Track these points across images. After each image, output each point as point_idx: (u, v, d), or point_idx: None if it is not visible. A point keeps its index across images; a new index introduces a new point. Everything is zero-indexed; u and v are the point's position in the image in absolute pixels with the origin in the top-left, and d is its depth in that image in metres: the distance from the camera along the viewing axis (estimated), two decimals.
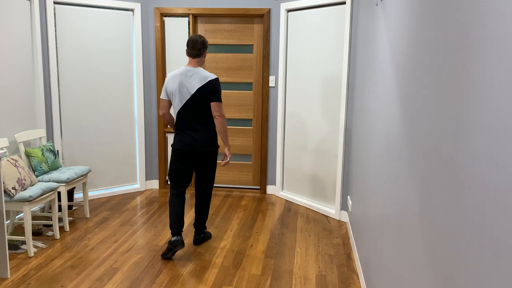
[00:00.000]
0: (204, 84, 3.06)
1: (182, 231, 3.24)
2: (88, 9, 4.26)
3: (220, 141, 4.69)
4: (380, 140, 2.30)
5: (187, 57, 3.10)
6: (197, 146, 3.12)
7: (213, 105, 3.09)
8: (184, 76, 3.08)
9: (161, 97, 3.20)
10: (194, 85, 3.06)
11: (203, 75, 3.08)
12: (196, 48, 3.08)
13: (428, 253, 1.31)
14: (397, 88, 1.88)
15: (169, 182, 3.59)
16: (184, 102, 3.09)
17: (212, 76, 3.10)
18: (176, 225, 3.11)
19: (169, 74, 3.19)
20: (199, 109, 3.10)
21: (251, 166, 4.87)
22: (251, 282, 2.79)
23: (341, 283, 2.80)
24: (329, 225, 3.88)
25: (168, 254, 3.09)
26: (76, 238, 3.45)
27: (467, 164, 1.02)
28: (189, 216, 4.02)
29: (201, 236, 3.41)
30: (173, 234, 3.10)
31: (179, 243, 3.06)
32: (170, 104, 3.19)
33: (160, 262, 3.06)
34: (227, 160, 3.24)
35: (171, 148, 3.18)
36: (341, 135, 3.91)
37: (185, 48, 3.68)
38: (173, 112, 3.63)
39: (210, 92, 3.08)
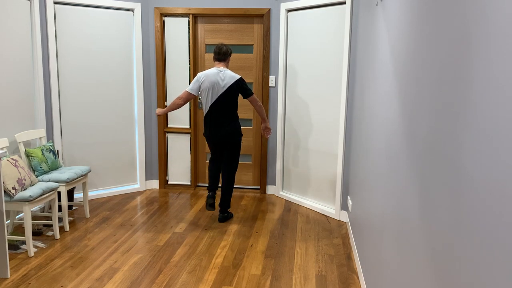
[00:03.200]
0: (233, 83, 3.63)
1: (216, 189, 3.94)
2: (88, 9, 4.26)
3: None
4: (380, 140, 2.30)
5: (214, 61, 3.81)
6: (227, 137, 3.71)
7: (251, 98, 3.69)
8: (217, 75, 3.65)
9: (189, 91, 3.70)
10: (226, 83, 3.63)
11: (231, 75, 3.65)
12: (221, 54, 3.71)
13: (428, 253, 1.31)
14: (397, 88, 1.88)
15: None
16: (217, 97, 3.65)
17: (237, 76, 3.66)
18: (211, 186, 3.91)
19: (202, 73, 3.70)
20: (228, 104, 3.68)
21: (251, 166, 4.87)
22: (251, 282, 2.79)
23: (341, 283, 2.80)
24: (329, 225, 3.88)
25: (208, 207, 3.83)
26: (76, 238, 3.45)
27: (467, 164, 1.02)
28: (189, 216, 4.02)
29: (225, 214, 3.91)
30: (208, 191, 3.90)
31: (209, 197, 3.84)
32: (193, 98, 3.76)
33: (160, 262, 3.07)
34: (269, 133, 3.92)
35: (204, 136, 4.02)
36: (341, 135, 3.91)
37: (186, 51, 4.61)
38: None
39: (238, 89, 3.65)
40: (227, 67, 3.76)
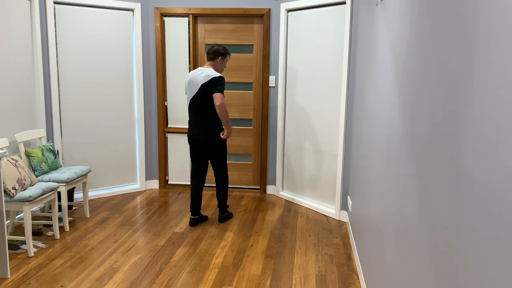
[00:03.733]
0: (207, 81, 3.51)
1: (199, 210, 3.83)
2: (88, 9, 4.26)
3: None
4: (380, 140, 2.30)
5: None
6: (202, 137, 3.64)
7: (214, 95, 3.50)
8: (195, 74, 3.61)
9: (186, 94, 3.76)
10: (199, 82, 3.55)
11: (208, 74, 3.53)
12: (210, 53, 3.66)
13: (428, 253, 1.31)
14: (397, 88, 1.88)
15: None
16: (192, 96, 3.61)
17: (216, 74, 3.53)
18: (192, 207, 3.80)
19: (189, 73, 3.74)
20: (203, 103, 3.59)
21: (251, 166, 4.87)
22: (251, 282, 2.79)
23: (341, 283, 2.80)
24: (329, 225, 3.88)
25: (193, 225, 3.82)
26: (76, 238, 3.45)
27: (467, 164, 1.02)
28: (189, 216, 4.02)
29: (224, 214, 3.90)
30: (191, 213, 3.83)
31: (192, 222, 3.78)
32: None
33: (160, 262, 3.07)
34: (223, 137, 3.63)
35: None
36: (341, 135, 3.91)
37: (186, 51, 4.69)
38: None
39: (212, 86, 3.52)
40: (214, 67, 3.65)
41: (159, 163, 4.87)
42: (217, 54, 3.64)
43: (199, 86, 3.54)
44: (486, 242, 0.89)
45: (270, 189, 4.79)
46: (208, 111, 3.60)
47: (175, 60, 4.73)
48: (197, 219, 3.82)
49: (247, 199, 4.60)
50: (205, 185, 4.99)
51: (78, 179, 3.74)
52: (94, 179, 4.53)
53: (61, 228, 3.65)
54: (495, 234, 0.85)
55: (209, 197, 4.65)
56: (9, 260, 3.04)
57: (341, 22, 3.88)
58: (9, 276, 2.79)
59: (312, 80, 4.20)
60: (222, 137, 3.63)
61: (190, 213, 4.10)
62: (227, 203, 4.13)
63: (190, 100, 3.63)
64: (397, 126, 1.84)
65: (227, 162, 4.89)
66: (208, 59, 3.67)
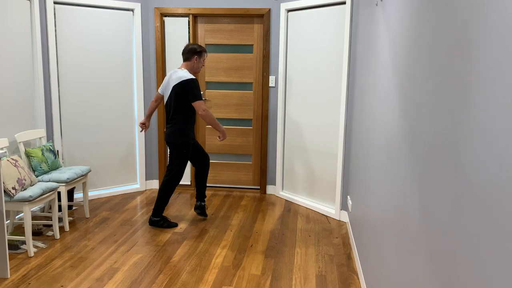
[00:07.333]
0: (177, 84, 3.44)
1: (203, 197, 3.91)
2: (88, 9, 4.26)
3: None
4: (380, 140, 2.30)
5: None
6: (166, 138, 3.60)
7: (194, 105, 3.45)
8: (170, 75, 3.55)
9: (158, 90, 3.77)
10: (171, 84, 3.50)
11: (179, 76, 3.46)
12: (185, 53, 3.56)
13: (428, 253, 1.31)
14: (397, 88, 1.88)
15: None
16: (166, 97, 3.58)
17: (186, 77, 3.42)
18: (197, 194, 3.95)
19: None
20: (173, 105, 3.53)
21: (251, 166, 4.87)
22: (251, 282, 2.79)
23: (341, 283, 2.80)
24: (329, 225, 3.88)
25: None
26: (76, 238, 3.45)
27: (467, 164, 1.02)
28: (189, 216, 4.02)
29: (155, 219, 3.71)
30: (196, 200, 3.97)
31: (196, 207, 3.92)
32: (161, 97, 3.75)
33: (160, 262, 3.07)
34: (221, 139, 3.64)
35: None
36: (341, 135, 3.91)
37: None
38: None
39: (184, 92, 3.44)
40: (189, 67, 3.55)
41: (159, 163, 4.87)
42: (192, 53, 3.52)
43: (170, 89, 3.49)
44: (486, 242, 0.89)
45: (270, 189, 4.79)
46: (175, 114, 3.52)
47: (175, 60, 4.73)
48: (199, 206, 3.88)
49: (247, 199, 4.60)
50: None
51: (78, 179, 3.74)
52: (94, 179, 4.53)
53: (61, 228, 3.65)
54: (495, 234, 0.85)
55: (209, 197, 4.65)
56: (9, 260, 3.04)
57: (341, 22, 3.88)
58: (9, 276, 2.79)
59: (312, 80, 4.20)
60: (219, 140, 3.67)
61: (189, 212, 4.11)
62: (163, 213, 3.85)
63: (165, 101, 3.60)
64: (397, 126, 1.84)
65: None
66: (184, 59, 3.56)
